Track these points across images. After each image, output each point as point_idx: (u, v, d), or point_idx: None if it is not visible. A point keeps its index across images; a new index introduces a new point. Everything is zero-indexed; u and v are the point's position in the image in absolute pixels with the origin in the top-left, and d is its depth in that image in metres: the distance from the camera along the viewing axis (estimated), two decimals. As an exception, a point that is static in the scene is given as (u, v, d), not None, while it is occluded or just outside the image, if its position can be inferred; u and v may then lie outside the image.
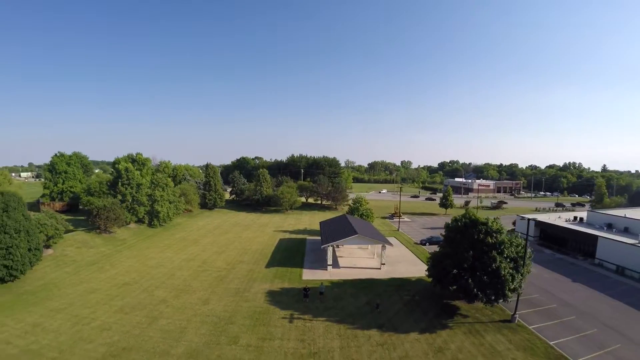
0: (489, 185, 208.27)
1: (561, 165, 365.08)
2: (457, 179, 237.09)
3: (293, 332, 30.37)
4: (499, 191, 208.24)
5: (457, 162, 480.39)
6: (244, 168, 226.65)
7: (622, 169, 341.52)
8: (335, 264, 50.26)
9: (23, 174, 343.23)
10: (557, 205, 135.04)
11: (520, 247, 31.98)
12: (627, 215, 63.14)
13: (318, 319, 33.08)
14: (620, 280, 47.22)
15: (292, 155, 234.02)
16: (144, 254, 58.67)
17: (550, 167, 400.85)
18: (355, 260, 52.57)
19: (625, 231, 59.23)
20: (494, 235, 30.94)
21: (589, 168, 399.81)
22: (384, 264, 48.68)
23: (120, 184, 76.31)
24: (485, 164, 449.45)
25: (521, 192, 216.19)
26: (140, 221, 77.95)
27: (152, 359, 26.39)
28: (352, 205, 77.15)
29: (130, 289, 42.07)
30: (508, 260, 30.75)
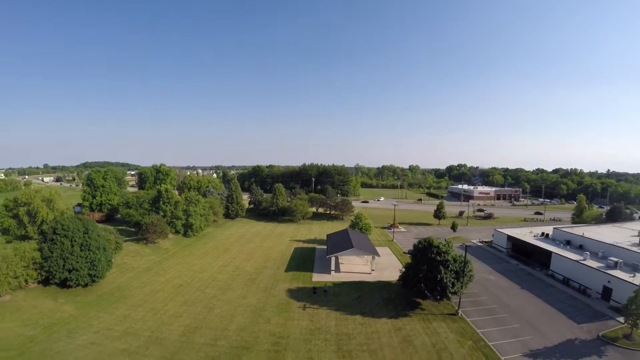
0: (488, 193, 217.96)
1: (569, 169, 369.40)
2: (459, 186, 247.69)
3: (305, 316, 45.83)
4: (498, 198, 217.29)
5: (464, 165, 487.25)
6: (258, 176, 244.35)
7: (632, 170, 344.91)
8: (337, 269, 65.07)
9: (46, 179, 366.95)
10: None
11: (461, 263, 46.05)
12: (584, 234, 74.06)
13: (322, 308, 48.51)
14: (562, 289, 59.23)
15: (304, 164, 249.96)
16: (187, 261, 74.51)
17: (556, 171, 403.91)
18: (352, 267, 67.13)
19: (580, 248, 70.46)
20: (442, 254, 45.18)
21: (596, 171, 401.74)
22: (373, 270, 63.43)
23: (161, 202, 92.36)
24: (491, 168, 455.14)
25: (520, 199, 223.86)
26: (177, 232, 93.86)
27: (217, 333, 41.78)
28: (353, 220, 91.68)
29: (186, 289, 57.70)
30: (452, 272, 44.91)
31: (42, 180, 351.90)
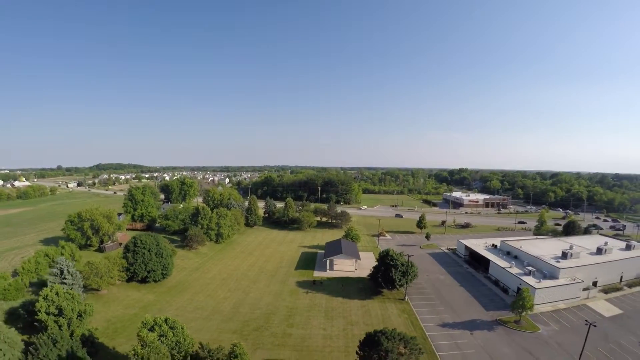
0: (477, 201, 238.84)
1: (563, 174, 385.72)
2: (453, 194, 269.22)
3: (307, 297, 72.79)
4: (487, 206, 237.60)
5: (465, 170, 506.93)
6: (270, 185, 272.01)
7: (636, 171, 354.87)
8: (331, 268, 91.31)
9: (70, 185, 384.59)
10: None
11: (406, 266, 71.73)
12: (521, 247, 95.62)
13: (318, 293, 75.48)
14: (490, 288, 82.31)
15: (311, 173, 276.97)
16: (222, 262, 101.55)
17: (554, 175, 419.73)
18: (342, 267, 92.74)
19: (515, 258, 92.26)
20: (394, 260, 71.08)
21: (596, 173, 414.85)
22: (356, 269, 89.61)
23: (200, 217, 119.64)
24: (490, 172, 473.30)
25: (509, 206, 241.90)
26: (211, 240, 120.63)
27: (253, 306, 68.82)
28: (346, 231, 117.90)
29: (227, 282, 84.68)
30: (400, 272, 70.69)
31: (67, 186, 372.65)
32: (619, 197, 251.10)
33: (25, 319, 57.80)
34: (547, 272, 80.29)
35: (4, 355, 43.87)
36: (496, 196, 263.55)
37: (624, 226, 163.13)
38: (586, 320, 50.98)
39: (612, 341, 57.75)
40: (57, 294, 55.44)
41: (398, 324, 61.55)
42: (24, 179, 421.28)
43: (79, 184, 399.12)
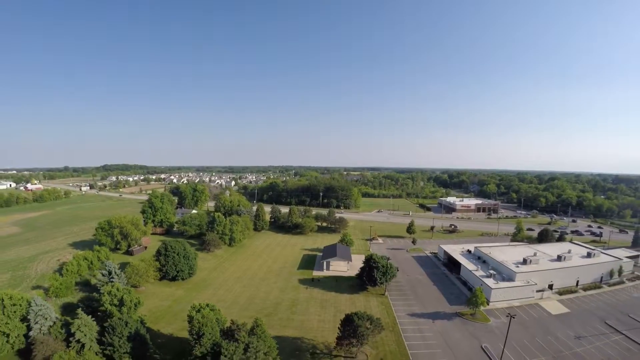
0: (469, 206, 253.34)
1: (559, 177, 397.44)
2: (447, 199, 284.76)
3: (307, 291, 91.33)
4: (478, 211, 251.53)
5: (464, 173, 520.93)
6: (274, 190, 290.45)
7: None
8: (328, 268, 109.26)
9: (84, 188, 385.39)
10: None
11: (386, 267, 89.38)
12: (490, 253, 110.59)
13: (315, 288, 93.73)
14: (459, 287, 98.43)
15: (314, 175, 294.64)
16: (236, 263, 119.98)
17: (552, 178, 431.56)
18: (337, 267, 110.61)
19: (483, 262, 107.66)
20: (376, 262, 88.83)
21: (596, 176, 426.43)
22: (348, 269, 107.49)
23: (215, 224, 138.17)
24: (489, 175, 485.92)
25: (499, 211, 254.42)
26: (225, 243, 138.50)
27: (264, 299, 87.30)
28: (341, 236, 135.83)
29: (241, 279, 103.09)
30: (380, 272, 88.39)
31: (80, 189, 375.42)
32: (607, 203, 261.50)
33: (83, 311, 72.37)
34: (505, 275, 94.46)
35: (85, 335, 61.74)
36: (489, 201, 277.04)
37: (601, 233, 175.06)
38: (508, 313, 67.53)
39: (550, 334, 70.75)
40: (117, 289, 73.58)
41: (376, 313, 78.84)
42: (36, 182, 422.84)
43: (90, 187, 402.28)
